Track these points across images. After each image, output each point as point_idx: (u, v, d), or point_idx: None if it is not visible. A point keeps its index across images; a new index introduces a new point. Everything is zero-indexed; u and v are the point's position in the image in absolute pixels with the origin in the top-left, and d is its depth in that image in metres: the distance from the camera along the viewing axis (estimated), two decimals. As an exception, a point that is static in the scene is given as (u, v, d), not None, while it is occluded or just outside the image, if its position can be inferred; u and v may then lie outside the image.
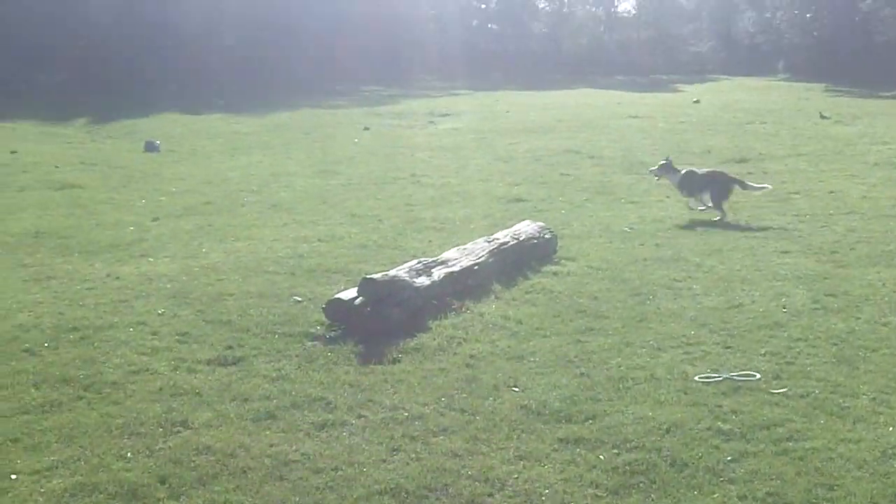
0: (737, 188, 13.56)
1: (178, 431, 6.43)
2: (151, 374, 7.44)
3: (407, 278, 8.94)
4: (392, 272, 9.05)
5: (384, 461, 6.01)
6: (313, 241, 12.04)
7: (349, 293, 8.80)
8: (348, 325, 8.51)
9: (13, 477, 5.79)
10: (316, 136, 24.32)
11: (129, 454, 6.07)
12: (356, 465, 5.95)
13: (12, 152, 20.32)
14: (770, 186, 14.30)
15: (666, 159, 14.33)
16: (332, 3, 44.03)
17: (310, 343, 8.21)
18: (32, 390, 7.10)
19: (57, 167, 18.39)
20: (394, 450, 6.17)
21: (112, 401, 6.92)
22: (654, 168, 14.55)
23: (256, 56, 40.01)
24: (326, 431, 6.44)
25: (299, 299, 9.39)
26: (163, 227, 13.04)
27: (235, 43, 39.08)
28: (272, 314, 8.92)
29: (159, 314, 8.93)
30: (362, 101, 34.19)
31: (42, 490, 5.64)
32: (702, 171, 14.02)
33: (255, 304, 9.24)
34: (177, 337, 8.31)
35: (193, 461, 5.99)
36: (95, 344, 8.11)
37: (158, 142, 21.67)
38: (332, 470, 5.89)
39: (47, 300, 9.43)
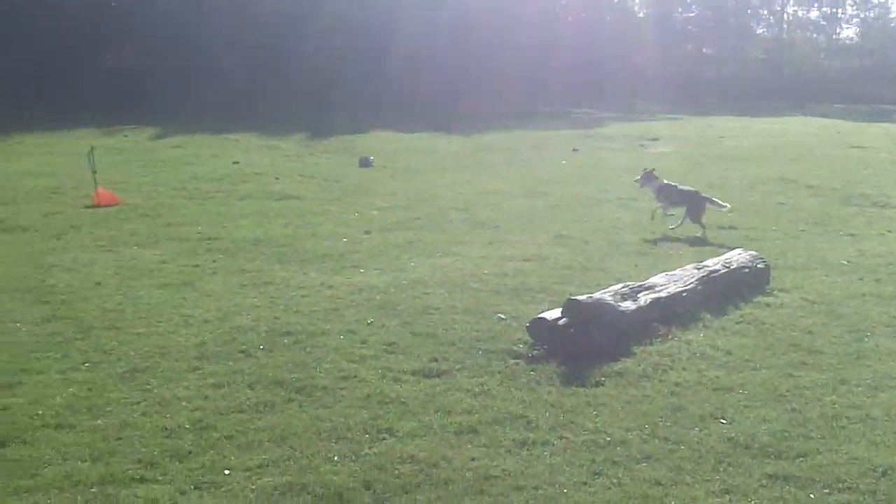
0: (708, 206, 14.32)
1: (384, 438, 6.57)
2: (359, 381, 7.63)
3: (612, 302, 8.84)
4: (597, 295, 8.97)
5: (585, 484, 5.95)
6: (518, 259, 12.08)
7: (553, 313, 8.77)
8: (551, 345, 8.48)
9: (226, 472, 6.05)
10: (524, 156, 24.45)
11: (336, 458, 6.24)
12: (557, 486, 5.91)
13: (235, 163, 21.34)
14: (728, 206, 14.64)
15: (647, 170, 15.07)
16: (543, 28, 44.31)
17: (512, 361, 8.22)
18: (247, 390, 7.42)
19: (276, 179, 19.17)
20: (595, 473, 6.09)
21: (322, 405, 7.14)
22: (637, 177, 15.30)
23: (466, 78, 40.63)
24: (527, 450, 6.43)
25: (503, 317, 9.43)
26: (374, 239, 13.37)
27: (446, 66, 39.77)
28: (476, 330, 8.99)
29: (368, 324, 9.16)
30: (572, 123, 34.12)
31: (253, 487, 5.87)
32: (681, 187, 14.80)
33: (459, 319, 9.34)
34: (384, 346, 8.49)
35: (397, 469, 6.10)
36: (307, 349, 8.40)
37: (372, 158, 22.30)
38: (532, 488, 5.87)
39: (264, 305, 9.84)
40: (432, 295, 10.27)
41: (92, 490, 5.82)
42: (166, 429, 6.69)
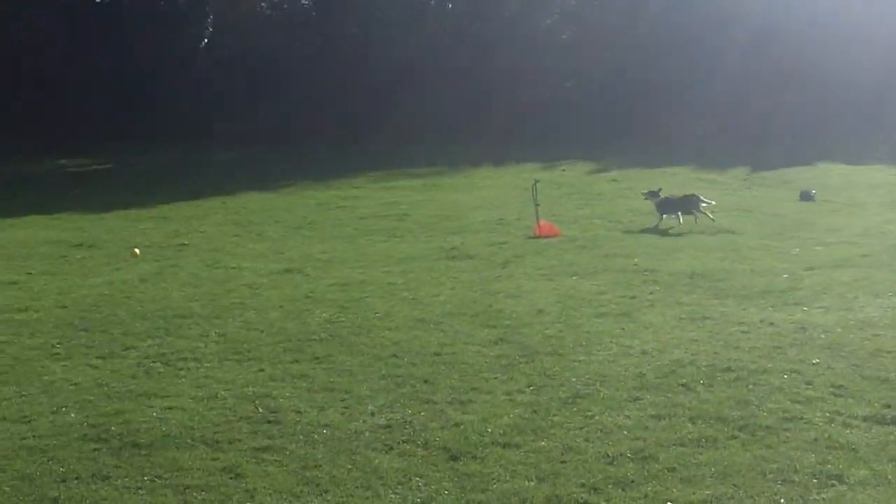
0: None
1: (833, 485, 6.23)
2: (805, 423, 7.30)
3: None
4: None
5: None
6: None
7: None
8: None
9: (668, 504, 6.03)
10: None
11: (782, 500, 6.02)
12: None
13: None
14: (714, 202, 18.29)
15: (655, 189, 18.26)
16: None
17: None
18: (688, 424, 7.35)
19: (712, 214, 18.91)
20: None
21: (766, 444, 6.91)
22: (644, 192, 18.54)
23: None
24: None
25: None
26: (816, 276, 12.77)
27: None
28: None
29: (813, 364, 8.75)
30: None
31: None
32: (676, 196, 18.15)
33: (917, 364, 8.65)
34: (831, 389, 8.07)
35: (850, 519, 5.76)
36: (749, 387, 8.17)
37: (814, 191, 21.36)
38: None
39: (702, 339, 9.72)
40: (882, 337, 9.62)
41: (538, 510, 6.04)
42: (608, 456, 6.79)
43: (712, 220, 17.54)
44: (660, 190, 18.31)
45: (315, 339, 10.17)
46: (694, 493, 6.15)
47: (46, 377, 9.12)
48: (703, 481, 6.34)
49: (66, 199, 23.87)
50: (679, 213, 17.69)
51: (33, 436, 7.57)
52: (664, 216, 17.77)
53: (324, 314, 11.29)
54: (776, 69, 36.11)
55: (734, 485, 6.26)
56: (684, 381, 8.37)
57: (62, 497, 6.44)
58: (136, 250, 16.28)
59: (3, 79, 36.73)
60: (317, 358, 9.49)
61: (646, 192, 18.49)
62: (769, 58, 36.41)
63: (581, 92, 38.92)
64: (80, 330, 10.87)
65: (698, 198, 17.97)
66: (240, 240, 17.37)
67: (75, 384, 8.87)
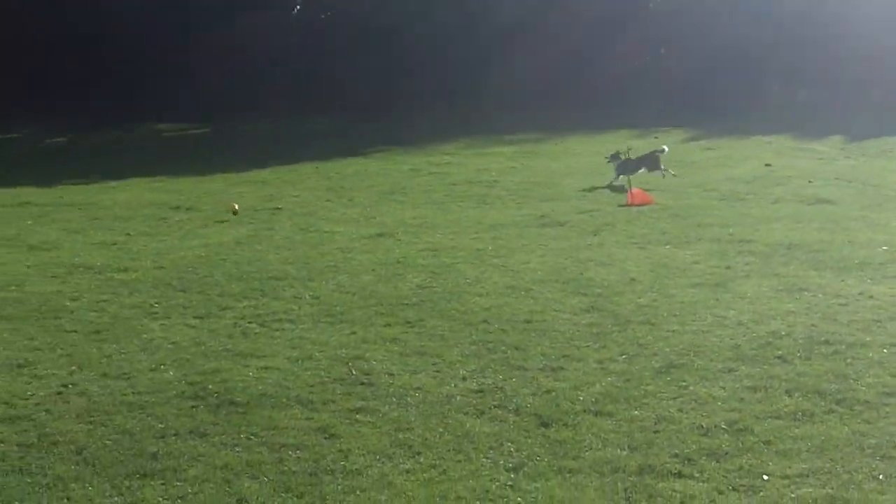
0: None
1: (935, 463, 6.09)
2: (907, 397, 7.15)
3: None
4: None
5: None
6: None
7: None
8: None
9: (765, 478, 5.96)
10: None
11: (881, 476, 5.91)
12: None
13: (767, 165, 20.91)
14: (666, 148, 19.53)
15: (616, 153, 18.87)
16: None
17: None
18: (785, 397, 7.25)
19: (810, 182, 18.50)
20: None
21: (864, 419, 6.78)
22: (607, 155, 19.20)
23: None
24: None
25: None
26: (919, 249, 12.43)
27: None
28: None
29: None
30: None
31: (792, 496, 5.73)
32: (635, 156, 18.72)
33: None
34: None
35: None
36: (847, 360, 8.02)
37: (916, 162, 20.76)
38: None
39: (799, 311, 9.55)
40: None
41: (631, 479, 6.02)
42: (702, 427, 6.73)
43: (673, 174, 18.79)
44: (619, 153, 18.85)
45: (407, 304, 10.25)
46: (790, 467, 6.07)
47: (145, 335, 9.36)
48: (798, 455, 6.25)
49: (166, 163, 24.35)
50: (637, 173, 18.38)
51: (133, 392, 7.78)
52: (620, 175, 18.32)
53: (415, 279, 11.36)
54: (872, 36, 35.04)
55: (831, 459, 6.16)
56: (780, 353, 8.25)
57: (161, 452, 6.62)
58: (236, 206, 16.58)
59: (109, 48, 37.51)
60: (408, 322, 9.57)
61: (608, 155, 19.15)
62: (865, 26, 35.35)
63: (675, 58, 38.28)
64: (177, 290, 11.11)
65: (657, 157, 19.01)
66: (332, 204, 17.51)
67: (173, 343, 9.09)
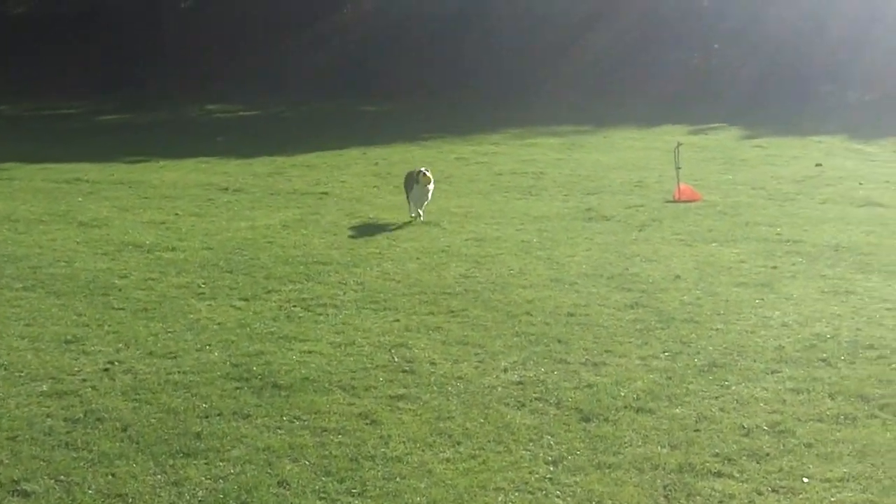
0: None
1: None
2: (949, 406, 7.09)
3: None
4: None
5: None
6: None
7: None
8: None
9: (805, 480, 5.95)
10: None
11: (923, 484, 5.87)
12: None
13: (817, 165, 20.69)
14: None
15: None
16: None
17: None
18: (828, 400, 7.21)
19: (860, 184, 18.29)
20: None
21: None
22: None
23: None
24: None
25: None
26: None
27: None
28: None
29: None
30: None
31: (832, 499, 5.72)
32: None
33: None
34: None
35: None
36: (892, 365, 7.95)
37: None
38: None
39: (845, 314, 9.46)
40: None
41: (670, 476, 6.03)
42: (744, 427, 6.72)
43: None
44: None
45: (450, 293, 10.29)
46: (831, 471, 6.05)
47: (192, 315, 9.48)
48: (840, 459, 6.23)
49: (215, 144, 24.56)
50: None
51: (178, 371, 7.90)
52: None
53: (459, 268, 11.39)
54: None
55: (872, 464, 6.13)
56: (825, 355, 8.19)
57: (205, 432, 6.72)
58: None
59: (159, 31, 38.07)
60: (451, 311, 9.61)
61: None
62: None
63: (729, 55, 38.00)
64: (224, 271, 11.24)
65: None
66: (378, 191, 17.59)
67: (219, 323, 9.20)
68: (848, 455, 6.28)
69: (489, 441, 6.58)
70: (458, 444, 6.54)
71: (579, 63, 35.64)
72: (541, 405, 7.19)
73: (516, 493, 5.87)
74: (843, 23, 35.95)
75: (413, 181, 14.49)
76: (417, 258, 11.91)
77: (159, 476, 6.12)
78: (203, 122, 31.75)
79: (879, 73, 35.15)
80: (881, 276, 11.09)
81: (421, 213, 14.47)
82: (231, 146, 24.11)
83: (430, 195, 14.54)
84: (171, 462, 6.29)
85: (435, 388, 7.54)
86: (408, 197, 14.80)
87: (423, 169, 14.55)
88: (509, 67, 37.24)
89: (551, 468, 6.18)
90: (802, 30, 36.18)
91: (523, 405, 7.19)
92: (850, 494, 5.75)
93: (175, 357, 8.26)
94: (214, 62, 37.48)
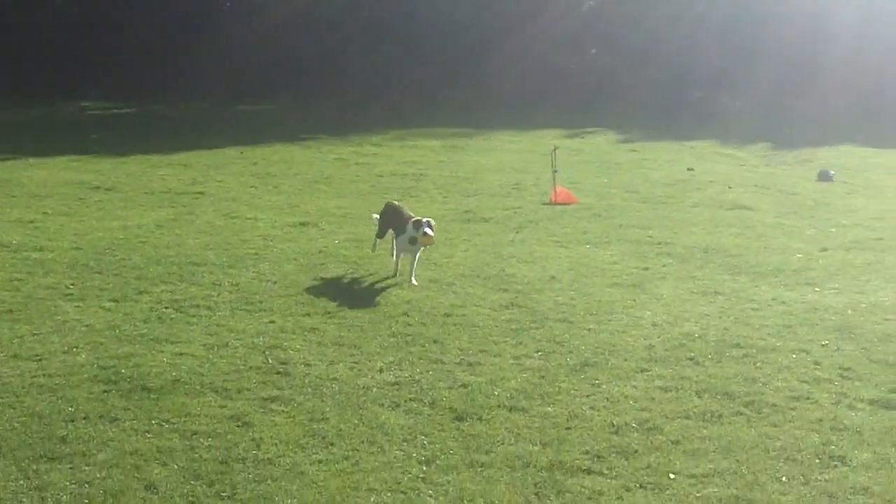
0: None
1: (835, 466, 6.29)
2: (811, 403, 7.35)
3: None
4: None
5: None
6: None
7: None
8: None
9: (671, 476, 6.08)
10: None
11: (784, 478, 6.07)
12: None
13: (689, 169, 21.26)
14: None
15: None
16: None
17: None
18: (695, 398, 7.41)
19: (730, 188, 18.85)
20: None
21: (770, 422, 6.96)
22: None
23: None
24: None
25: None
26: (830, 258, 12.73)
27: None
28: (946, 365, 8.28)
29: (822, 345, 8.77)
30: None
31: (698, 495, 5.86)
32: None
33: (927, 350, 8.66)
34: (839, 371, 8.09)
35: (849, 499, 5.84)
36: (757, 364, 8.21)
37: (833, 172, 21.21)
38: None
39: (713, 314, 9.73)
40: (893, 321, 9.62)
41: (541, 473, 6.10)
42: (613, 425, 6.85)
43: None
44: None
45: (327, 294, 10.21)
46: (697, 467, 6.21)
47: (59, 317, 9.19)
48: (706, 455, 6.39)
49: (88, 142, 23.91)
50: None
51: (44, 374, 7.65)
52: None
53: (337, 269, 11.32)
54: (803, 46, 35.89)
55: (737, 460, 6.31)
56: (693, 354, 8.41)
57: (70, 436, 6.52)
58: None
59: (38, 24, 36.97)
60: (328, 312, 9.53)
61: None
62: (797, 35, 36.21)
63: (609, 60, 38.70)
64: (94, 272, 10.93)
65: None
66: (256, 191, 17.38)
67: (87, 325, 8.94)
68: (714, 451, 6.45)
69: (363, 442, 6.55)
70: (332, 445, 6.49)
71: (455, 66, 35.95)
72: (415, 405, 7.19)
73: (389, 494, 5.86)
74: (716, 31, 37.05)
75: (403, 223, 11.04)
76: (295, 259, 11.80)
77: (22, 481, 5.92)
78: (77, 120, 30.87)
79: (752, 80, 36.27)
80: (748, 277, 11.43)
81: (413, 279, 10.83)
82: (105, 144, 23.50)
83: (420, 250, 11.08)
84: (34, 467, 6.09)
85: (309, 389, 7.47)
86: (384, 237, 11.73)
87: (428, 219, 10.98)
88: (390, 70, 37.27)
89: (424, 468, 6.19)
90: (678, 36, 37.15)
91: (398, 405, 7.18)
92: (715, 490, 5.90)
93: (40, 360, 7.99)
94: (91, 60, 36.56)
